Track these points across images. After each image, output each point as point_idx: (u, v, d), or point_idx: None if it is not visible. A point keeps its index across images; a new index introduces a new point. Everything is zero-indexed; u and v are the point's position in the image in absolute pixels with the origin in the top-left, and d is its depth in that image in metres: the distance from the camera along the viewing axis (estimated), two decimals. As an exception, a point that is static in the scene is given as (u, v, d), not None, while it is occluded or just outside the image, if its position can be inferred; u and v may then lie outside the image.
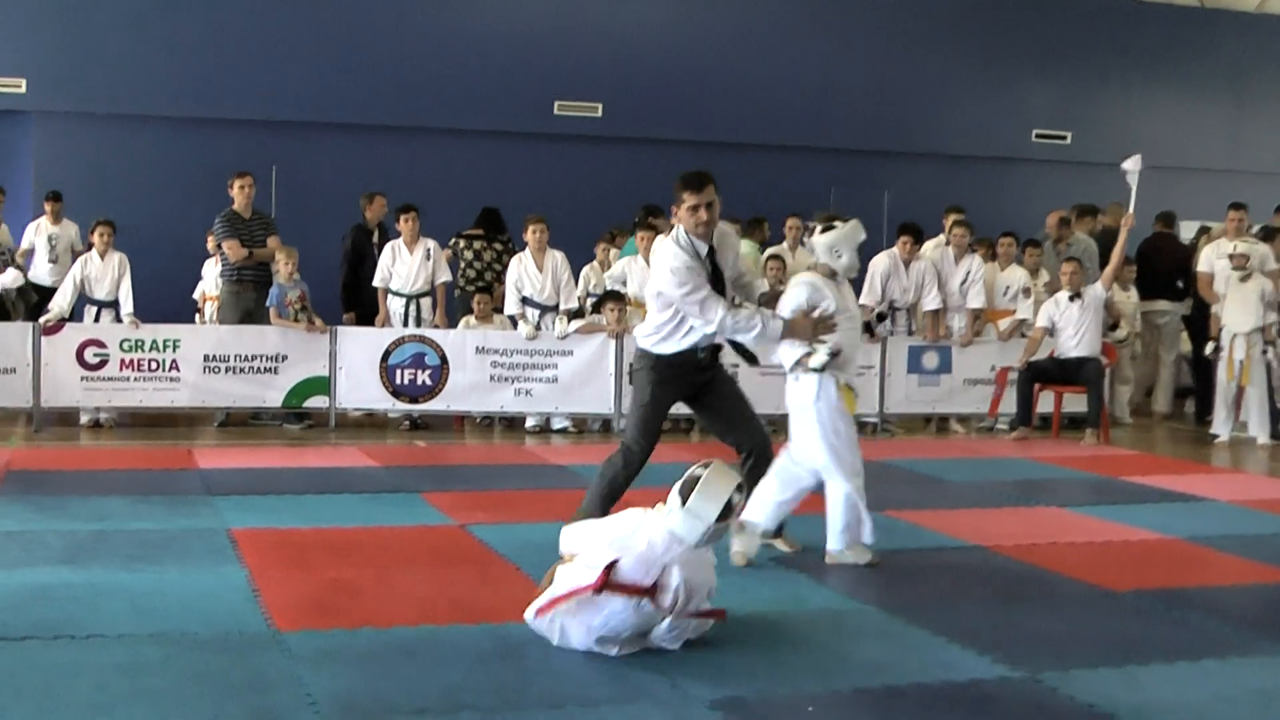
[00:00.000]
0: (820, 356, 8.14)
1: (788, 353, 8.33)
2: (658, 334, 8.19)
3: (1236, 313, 14.75)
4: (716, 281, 8.02)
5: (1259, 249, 15.30)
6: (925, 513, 10.04)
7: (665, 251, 8.01)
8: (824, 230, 8.49)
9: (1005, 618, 7.30)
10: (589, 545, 6.36)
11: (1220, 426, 14.91)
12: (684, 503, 6.23)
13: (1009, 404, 14.96)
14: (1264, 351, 14.70)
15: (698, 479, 6.27)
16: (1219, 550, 9.09)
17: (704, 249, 7.98)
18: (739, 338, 8.10)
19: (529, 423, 14.77)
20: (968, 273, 15.22)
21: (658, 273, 8.08)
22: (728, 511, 6.26)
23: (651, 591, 6.09)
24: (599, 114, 19.20)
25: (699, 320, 7.96)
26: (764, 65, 19.64)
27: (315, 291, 14.61)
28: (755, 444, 8.41)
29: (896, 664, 6.30)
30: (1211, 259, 15.47)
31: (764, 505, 8.35)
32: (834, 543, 8.39)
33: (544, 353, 14.42)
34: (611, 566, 6.11)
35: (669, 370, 8.21)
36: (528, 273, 14.59)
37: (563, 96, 19.09)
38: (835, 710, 5.66)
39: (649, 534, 6.24)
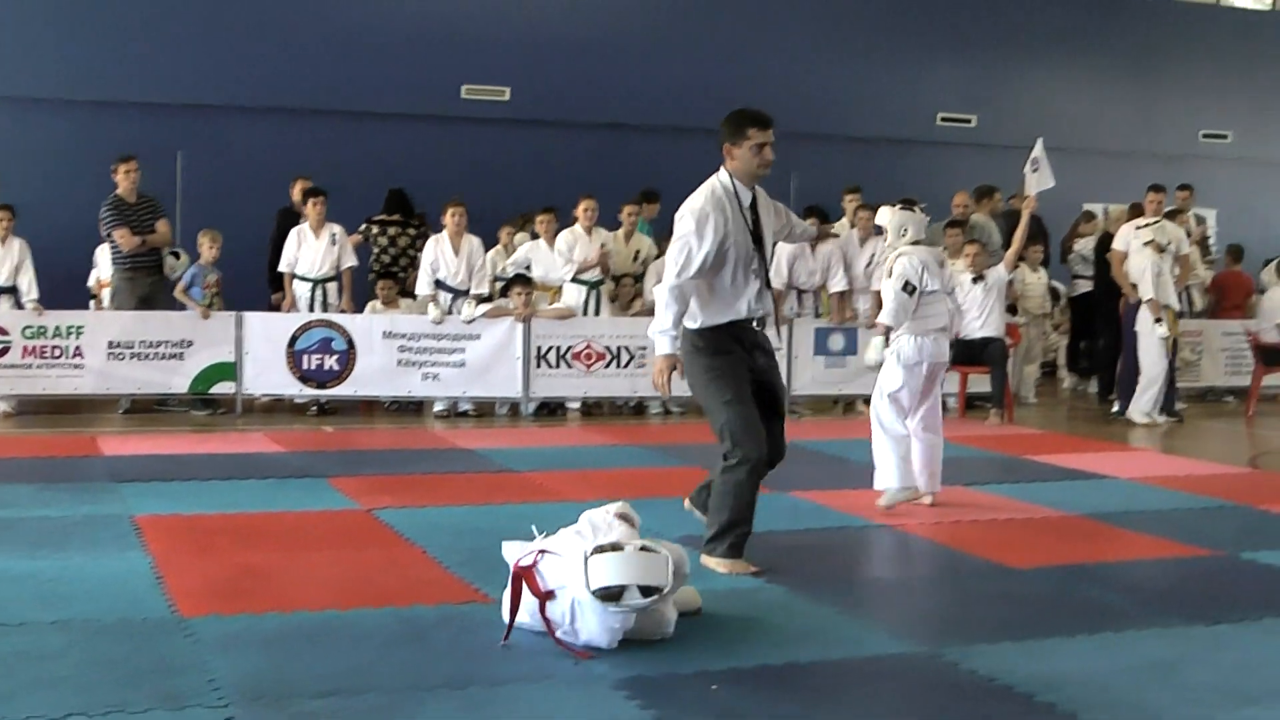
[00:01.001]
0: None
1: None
2: (698, 305, 7.57)
3: (1169, 291, 14.92)
4: (756, 237, 7.53)
5: (1178, 230, 15.54)
6: (831, 493, 10.13)
7: (688, 206, 7.50)
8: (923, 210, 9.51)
9: (908, 594, 7.41)
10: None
11: (1140, 405, 15.01)
12: (596, 551, 5.86)
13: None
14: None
15: (630, 549, 5.87)
16: (1119, 526, 9.23)
17: (747, 198, 7.53)
18: (652, 333, 7.57)
19: (436, 407, 14.75)
20: (873, 255, 15.30)
21: None
22: (616, 593, 5.84)
23: (545, 596, 6.05)
24: (506, 98, 19.18)
25: (658, 300, 7.55)
26: (671, 48, 19.68)
27: (225, 276, 14.55)
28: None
29: (800, 641, 6.35)
30: (1129, 238, 15.53)
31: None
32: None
33: (451, 337, 14.41)
34: (542, 551, 6.10)
35: (720, 343, 7.54)
36: (444, 255, 14.58)
37: (470, 80, 19.05)
38: (739, 687, 5.69)
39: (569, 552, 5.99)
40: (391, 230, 15.47)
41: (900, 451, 9.55)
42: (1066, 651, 6.30)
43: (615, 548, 5.86)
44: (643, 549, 5.88)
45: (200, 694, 5.43)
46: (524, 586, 6.03)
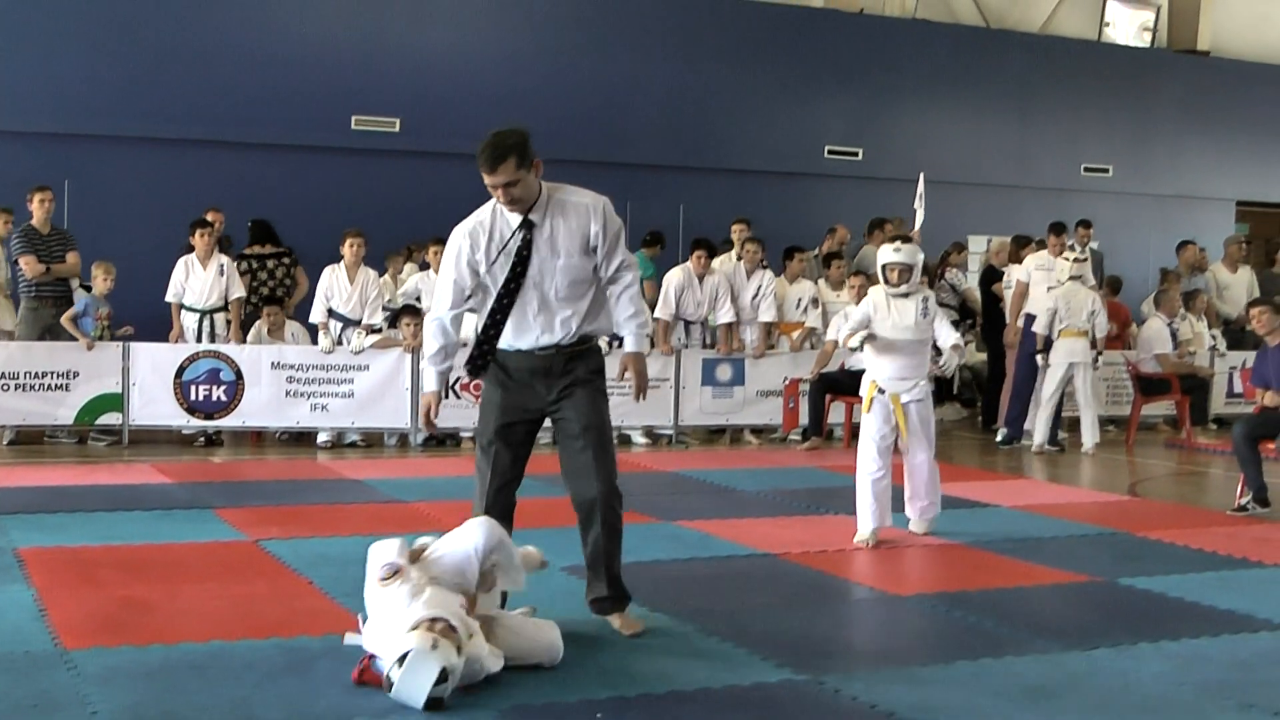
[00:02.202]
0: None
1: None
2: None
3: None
4: (519, 263, 6.73)
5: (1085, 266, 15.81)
6: (717, 522, 10.19)
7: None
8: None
9: (791, 623, 7.44)
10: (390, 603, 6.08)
11: (1042, 435, 15.26)
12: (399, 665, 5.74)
13: (801, 415, 15.25)
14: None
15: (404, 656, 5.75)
16: (1000, 554, 9.37)
17: (514, 220, 6.75)
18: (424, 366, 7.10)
19: (320, 437, 14.69)
20: (759, 286, 15.44)
21: None
22: (440, 688, 5.71)
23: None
24: (396, 129, 19.14)
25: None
26: (560, 81, 19.72)
27: (112, 307, 14.43)
28: (580, 498, 6.98)
29: (683, 670, 6.41)
30: (1030, 269, 15.76)
31: None
32: None
33: (340, 368, 14.37)
34: (370, 658, 6.03)
35: (495, 373, 6.94)
36: (339, 283, 14.59)
37: (360, 111, 18.99)
38: (623, 716, 5.74)
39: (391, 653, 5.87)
40: (270, 263, 15.43)
41: None
42: (946, 678, 6.40)
43: (390, 683, 5.70)
44: (401, 660, 5.69)
45: (81, 727, 5.42)
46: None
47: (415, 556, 6.31)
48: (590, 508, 6.89)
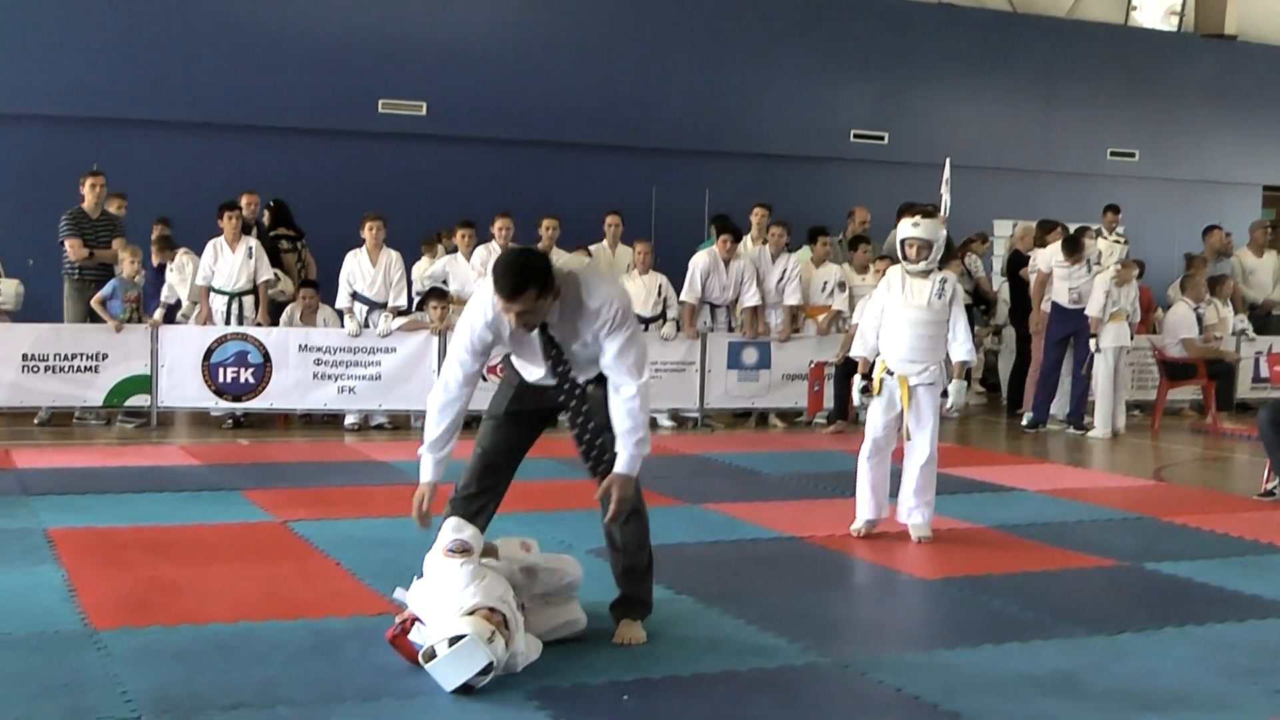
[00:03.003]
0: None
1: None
2: None
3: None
4: (551, 354, 6.33)
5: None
6: (742, 505, 10.20)
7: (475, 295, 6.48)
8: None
9: (816, 606, 7.46)
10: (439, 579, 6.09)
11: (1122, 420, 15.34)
12: (443, 647, 5.72)
13: (827, 398, 15.26)
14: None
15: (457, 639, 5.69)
16: (1025, 538, 9.37)
17: None
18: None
19: (348, 420, 14.73)
20: (784, 270, 15.43)
21: None
22: (479, 679, 5.70)
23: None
24: (423, 113, 19.16)
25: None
26: (586, 66, 19.73)
27: (142, 289, 14.51)
28: (605, 527, 6.61)
29: (709, 652, 6.43)
30: (1051, 261, 15.76)
31: None
32: None
33: (367, 350, 14.41)
34: (413, 620, 6.04)
35: (516, 376, 6.67)
36: (361, 268, 14.61)
37: (387, 95, 19.01)
38: (649, 698, 5.76)
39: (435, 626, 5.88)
40: (299, 244, 15.54)
41: None
42: (972, 661, 6.41)
43: (431, 655, 5.71)
44: (453, 640, 5.67)
45: (111, 707, 5.45)
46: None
47: (486, 552, 6.32)
48: (610, 532, 6.55)
